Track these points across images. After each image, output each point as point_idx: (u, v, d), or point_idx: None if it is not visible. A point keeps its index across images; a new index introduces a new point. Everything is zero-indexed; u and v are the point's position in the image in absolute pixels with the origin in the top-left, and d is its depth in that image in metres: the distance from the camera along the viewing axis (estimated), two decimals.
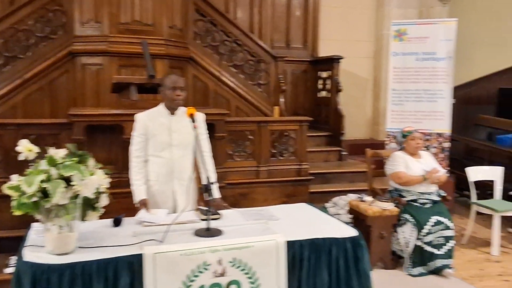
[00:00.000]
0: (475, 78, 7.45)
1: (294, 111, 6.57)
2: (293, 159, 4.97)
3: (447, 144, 5.63)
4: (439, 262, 3.89)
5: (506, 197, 5.31)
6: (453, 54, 5.57)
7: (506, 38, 7.40)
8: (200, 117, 3.14)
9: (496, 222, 4.49)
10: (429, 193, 4.13)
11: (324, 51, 6.74)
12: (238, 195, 4.66)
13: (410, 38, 5.74)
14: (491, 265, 4.22)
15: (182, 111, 3.08)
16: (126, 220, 2.76)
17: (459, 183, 5.91)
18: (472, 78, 7.43)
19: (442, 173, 4.19)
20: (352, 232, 2.66)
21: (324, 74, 6.58)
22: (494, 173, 4.88)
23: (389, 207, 4.06)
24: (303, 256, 2.50)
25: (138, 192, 3.06)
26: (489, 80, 7.49)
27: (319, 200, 4.94)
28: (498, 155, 6.19)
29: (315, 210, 3.11)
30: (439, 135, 5.65)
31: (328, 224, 2.81)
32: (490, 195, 5.05)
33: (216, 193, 2.96)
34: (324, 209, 4.64)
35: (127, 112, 3.92)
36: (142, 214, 2.85)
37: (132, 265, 2.24)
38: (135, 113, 3.17)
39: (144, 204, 3.01)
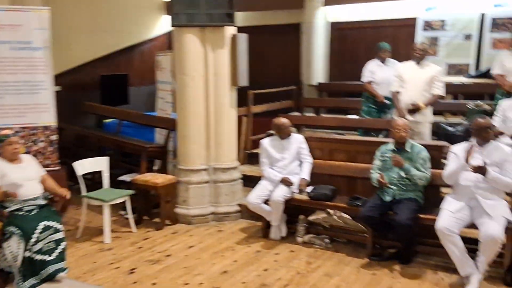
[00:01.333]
0: (78, 65, 7.53)
1: None
2: None
3: (54, 137, 5.50)
4: (51, 268, 3.78)
5: (117, 182, 5.66)
6: (49, 43, 5.40)
7: (102, 25, 7.76)
8: None
9: (106, 211, 4.73)
10: (34, 199, 3.94)
11: None
12: None
13: (3, 26, 5.22)
14: (103, 254, 4.43)
15: None
16: None
17: (73, 172, 5.91)
18: (75, 65, 7.48)
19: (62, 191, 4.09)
20: None
21: None
22: (100, 164, 5.09)
23: None
24: None
25: None
26: (92, 66, 7.73)
27: None
28: (106, 141, 6.54)
29: None
30: (46, 128, 5.46)
31: None
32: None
33: None
34: None
35: None
36: None
37: None
38: None
39: None
